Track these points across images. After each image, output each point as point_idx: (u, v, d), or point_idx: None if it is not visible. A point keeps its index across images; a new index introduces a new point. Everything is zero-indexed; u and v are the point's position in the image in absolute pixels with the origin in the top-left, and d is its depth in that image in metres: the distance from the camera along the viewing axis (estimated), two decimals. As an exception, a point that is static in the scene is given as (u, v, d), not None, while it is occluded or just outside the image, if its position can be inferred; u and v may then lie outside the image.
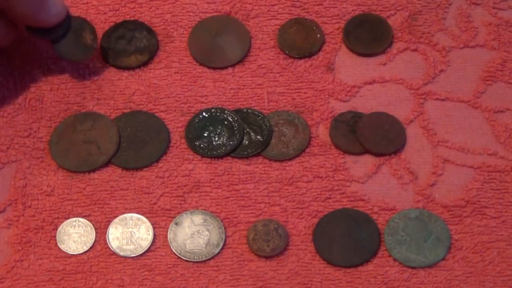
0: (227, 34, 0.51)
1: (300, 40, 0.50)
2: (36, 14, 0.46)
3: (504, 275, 0.44)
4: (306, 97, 0.49)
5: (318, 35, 0.51)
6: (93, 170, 0.47)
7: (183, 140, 0.48)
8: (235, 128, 0.47)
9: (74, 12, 0.51)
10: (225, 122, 0.48)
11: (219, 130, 0.47)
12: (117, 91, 0.49)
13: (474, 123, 0.48)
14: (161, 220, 0.45)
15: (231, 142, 0.47)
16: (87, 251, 0.45)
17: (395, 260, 0.44)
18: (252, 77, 0.50)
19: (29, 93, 0.49)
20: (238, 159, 0.47)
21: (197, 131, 0.48)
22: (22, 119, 0.48)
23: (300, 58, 0.50)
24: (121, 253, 0.44)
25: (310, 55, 0.50)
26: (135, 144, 0.47)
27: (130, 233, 0.45)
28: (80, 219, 0.45)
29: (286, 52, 0.50)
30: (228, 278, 0.44)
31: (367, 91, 0.49)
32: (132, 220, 0.45)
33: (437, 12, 0.51)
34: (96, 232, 0.45)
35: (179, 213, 0.46)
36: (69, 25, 0.47)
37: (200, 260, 0.44)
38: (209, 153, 0.47)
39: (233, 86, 0.49)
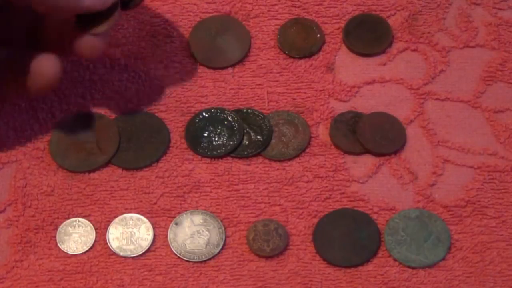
0: (227, 34, 0.51)
1: (300, 40, 0.50)
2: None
3: (504, 275, 0.44)
4: (306, 97, 0.49)
5: (318, 35, 0.51)
6: (93, 170, 0.47)
7: (183, 140, 0.48)
8: (235, 128, 0.47)
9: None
10: (225, 122, 0.48)
11: (219, 130, 0.47)
12: (117, 91, 0.49)
13: (474, 123, 0.48)
14: (161, 220, 0.45)
15: (231, 142, 0.47)
16: (87, 251, 0.45)
17: (395, 260, 0.44)
18: (252, 77, 0.50)
19: (29, 93, 0.49)
20: (238, 159, 0.47)
21: (197, 131, 0.48)
22: (22, 119, 0.48)
23: (300, 58, 0.50)
24: (121, 253, 0.44)
25: (310, 55, 0.50)
26: (135, 144, 0.47)
27: (130, 233, 0.45)
28: (80, 219, 0.45)
29: (286, 52, 0.50)
30: (228, 278, 0.44)
31: (367, 91, 0.49)
32: (132, 220, 0.45)
33: (437, 12, 0.51)
34: (96, 232, 0.45)
35: (179, 213, 0.46)
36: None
37: (200, 260, 0.44)
38: (209, 153, 0.47)
39: (233, 86, 0.49)
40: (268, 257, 0.44)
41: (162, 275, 0.44)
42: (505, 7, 0.52)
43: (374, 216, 0.45)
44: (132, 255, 0.44)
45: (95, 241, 0.45)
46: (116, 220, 0.45)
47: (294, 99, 0.49)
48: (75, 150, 0.47)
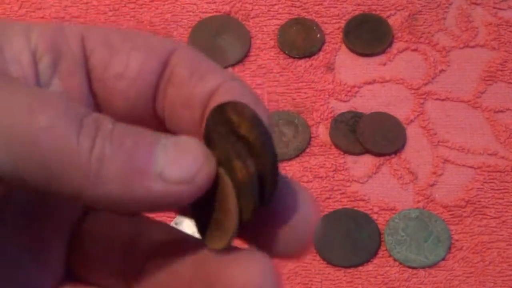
0: (227, 34, 0.51)
1: (300, 40, 0.50)
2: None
3: (504, 275, 0.44)
4: (306, 97, 0.49)
5: (318, 35, 0.51)
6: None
7: (183, 140, 0.48)
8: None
9: (74, 12, 0.51)
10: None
11: (219, 130, 0.47)
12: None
13: (474, 123, 0.48)
14: (161, 220, 0.45)
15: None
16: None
17: (395, 260, 0.44)
18: (252, 77, 0.50)
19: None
20: (238, 159, 0.47)
21: (197, 131, 0.48)
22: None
23: (300, 58, 0.50)
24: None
25: (310, 55, 0.50)
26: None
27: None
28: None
29: (286, 52, 0.50)
30: (228, 278, 0.44)
31: (367, 91, 0.49)
32: (132, 220, 0.45)
33: (437, 12, 0.51)
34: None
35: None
36: None
37: (200, 260, 0.44)
38: (209, 153, 0.47)
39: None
40: (268, 257, 0.44)
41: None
42: (505, 7, 0.52)
43: (374, 216, 0.45)
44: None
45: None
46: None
47: (294, 99, 0.49)
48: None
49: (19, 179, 0.17)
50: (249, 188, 0.18)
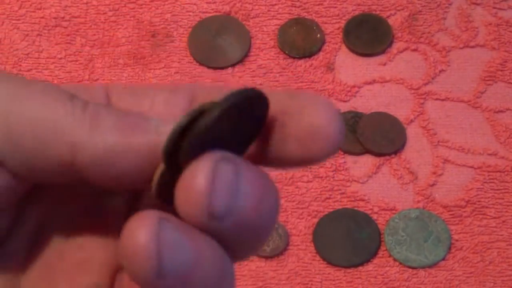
0: (227, 34, 0.51)
1: (300, 40, 0.50)
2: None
3: (504, 275, 0.44)
4: (306, 97, 0.49)
5: (318, 35, 0.51)
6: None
7: (183, 140, 0.48)
8: (235, 128, 0.47)
9: (74, 12, 0.51)
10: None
11: (219, 130, 0.47)
12: (117, 91, 0.49)
13: (474, 123, 0.48)
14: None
15: (231, 142, 0.47)
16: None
17: (395, 260, 0.44)
18: (252, 77, 0.50)
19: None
20: (238, 159, 0.47)
21: (197, 131, 0.48)
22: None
23: (300, 58, 0.50)
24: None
25: (310, 55, 0.50)
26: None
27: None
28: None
29: (286, 52, 0.50)
30: (228, 278, 0.44)
31: (367, 91, 0.49)
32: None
33: (437, 12, 0.51)
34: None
35: (179, 213, 0.45)
36: None
37: (200, 260, 0.44)
38: (209, 153, 0.47)
39: (232, 86, 0.49)
40: (268, 257, 0.44)
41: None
42: (505, 7, 0.52)
43: (374, 216, 0.45)
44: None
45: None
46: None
47: (294, 99, 0.49)
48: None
49: (14, 150, 0.18)
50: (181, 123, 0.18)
